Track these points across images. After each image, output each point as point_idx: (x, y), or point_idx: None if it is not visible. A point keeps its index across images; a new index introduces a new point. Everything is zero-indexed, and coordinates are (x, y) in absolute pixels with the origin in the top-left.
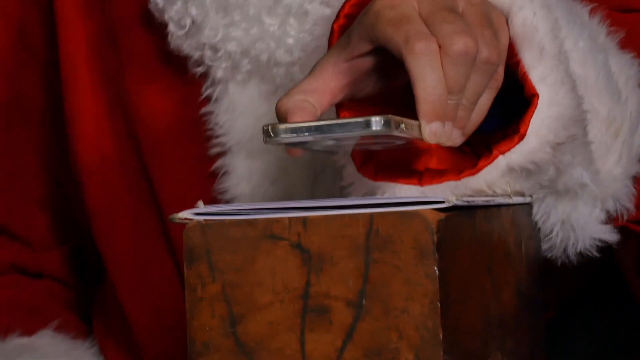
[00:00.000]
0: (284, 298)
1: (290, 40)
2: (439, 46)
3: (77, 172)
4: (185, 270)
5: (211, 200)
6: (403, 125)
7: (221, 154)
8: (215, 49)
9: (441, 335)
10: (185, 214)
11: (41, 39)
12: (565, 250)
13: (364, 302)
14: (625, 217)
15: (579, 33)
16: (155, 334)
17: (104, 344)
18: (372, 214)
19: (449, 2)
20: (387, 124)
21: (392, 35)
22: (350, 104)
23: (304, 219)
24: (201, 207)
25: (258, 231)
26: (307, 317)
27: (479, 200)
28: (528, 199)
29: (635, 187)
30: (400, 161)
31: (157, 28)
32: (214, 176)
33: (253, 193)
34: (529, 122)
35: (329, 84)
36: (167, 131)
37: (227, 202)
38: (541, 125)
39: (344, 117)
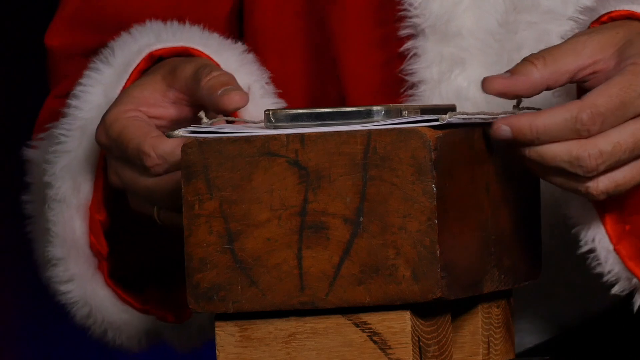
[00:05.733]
0: (282, 215)
1: None
2: None
3: (254, 42)
4: (182, 187)
5: (394, 80)
6: (405, 112)
7: (411, 36)
8: None
9: (438, 253)
10: (181, 132)
11: None
12: None
13: (361, 219)
14: None
15: None
16: None
17: None
18: (369, 131)
19: None
20: (388, 113)
21: None
22: None
23: (302, 135)
24: (203, 117)
25: (255, 148)
26: (304, 234)
27: (476, 118)
28: None
29: None
30: None
31: None
32: (400, 58)
33: (441, 78)
34: None
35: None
36: (353, 10)
37: (414, 85)
38: None
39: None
